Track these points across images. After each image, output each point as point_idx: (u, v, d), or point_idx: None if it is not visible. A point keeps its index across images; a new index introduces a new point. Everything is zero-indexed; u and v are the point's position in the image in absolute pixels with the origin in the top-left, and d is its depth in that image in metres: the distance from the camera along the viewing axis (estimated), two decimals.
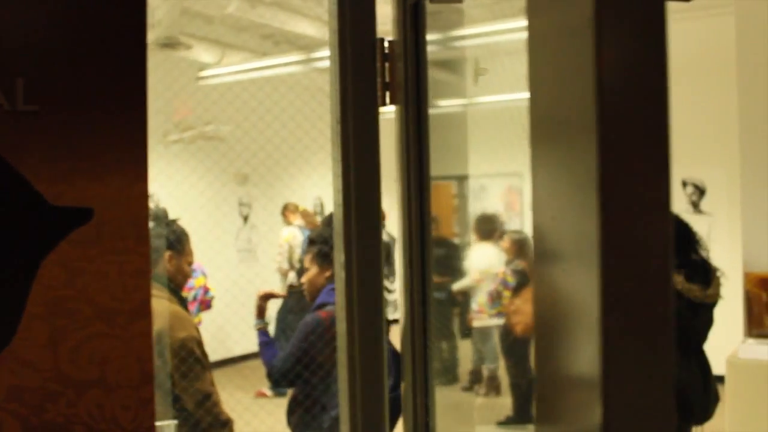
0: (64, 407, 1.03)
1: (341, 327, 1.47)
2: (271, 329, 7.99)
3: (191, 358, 2.78)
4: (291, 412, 3.07)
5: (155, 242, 2.82)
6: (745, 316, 4.03)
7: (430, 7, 1.44)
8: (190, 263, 2.96)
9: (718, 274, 3.55)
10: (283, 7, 6.83)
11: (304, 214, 7.49)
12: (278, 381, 3.02)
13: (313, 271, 3.06)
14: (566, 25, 0.54)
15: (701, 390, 3.50)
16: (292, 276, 7.43)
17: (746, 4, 3.60)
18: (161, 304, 2.84)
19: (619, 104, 0.53)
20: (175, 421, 1.69)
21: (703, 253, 3.58)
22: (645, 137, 0.51)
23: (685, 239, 3.53)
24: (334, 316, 2.93)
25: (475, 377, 7.46)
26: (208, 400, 2.72)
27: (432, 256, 1.31)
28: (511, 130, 10.88)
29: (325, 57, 6.72)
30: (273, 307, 7.78)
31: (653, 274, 0.53)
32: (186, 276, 2.98)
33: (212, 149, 8.61)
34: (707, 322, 3.55)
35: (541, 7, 0.53)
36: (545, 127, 0.58)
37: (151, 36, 5.39)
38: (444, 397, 1.56)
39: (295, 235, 7.44)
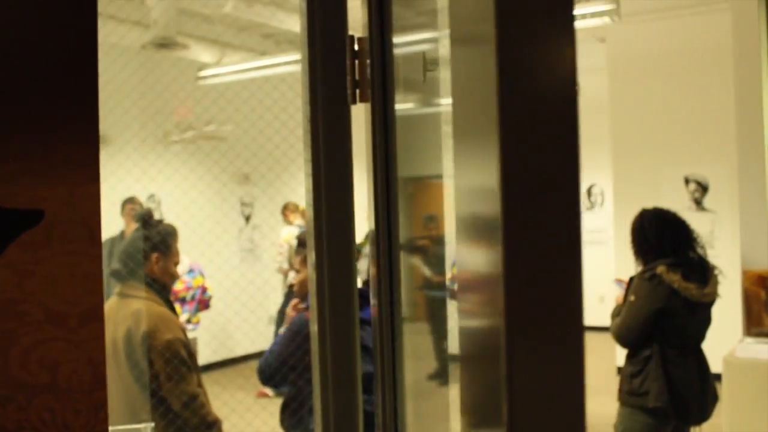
0: (14, 412, 1.01)
1: (313, 328, 1.45)
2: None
3: (177, 360, 2.76)
4: (282, 412, 3.06)
5: (139, 244, 2.81)
6: (744, 314, 4.00)
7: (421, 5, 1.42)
8: (176, 263, 2.95)
9: (716, 272, 3.52)
10: (282, 6, 6.81)
11: (305, 214, 7.48)
12: (264, 381, 3.01)
13: (304, 272, 3.04)
14: (475, 39, 0.54)
15: (699, 390, 3.48)
16: (292, 275, 7.43)
17: (745, 1, 3.57)
18: (146, 306, 2.83)
19: (520, 111, 0.51)
20: (152, 424, 1.67)
21: (701, 251, 3.56)
22: (551, 142, 0.49)
23: (683, 237, 3.50)
24: None
25: None
26: (194, 401, 2.71)
27: (399, 255, 1.29)
28: None
29: None
30: (273, 307, 7.77)
31: (562, 269, 0.51)
32: (173, 276, 2.96)
33: (212, 149, 8.61)
34: (704, 321, 3.52)
35: (461, 23, 0.52)
36: (461, 132, 0.57)
37: (147, 36, 5.38)
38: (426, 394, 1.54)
39: (294, 235, 7.43)
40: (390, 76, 1.21)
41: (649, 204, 3.65)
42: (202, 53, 7.14)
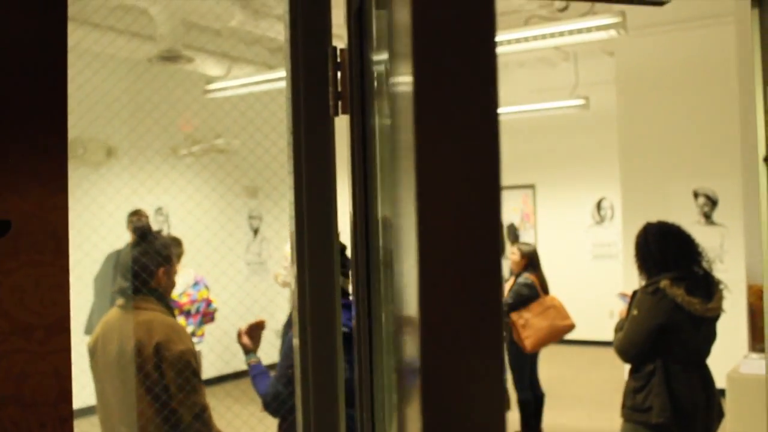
0: None
1: (295, 342, 1.44)
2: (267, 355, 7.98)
3: (189, 371, 2.76)
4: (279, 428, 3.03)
5: (143, 260, 2.82)
6: (749, 329, 3.95)
7: None
8: (176, 272, 2.96)
9: (721, 287, 3.48)
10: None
11: None
12: (276, 410, 2.91)
13: None
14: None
15: (703, 406, 3.43)
16: None
17: (746, 14, 3.54)
18: (157, 317, 2.84)
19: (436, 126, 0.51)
20: None
21: (706, 266, 3.52)
22: (465, 148, 0.48)
23: (687, 251, 3.47)
24: None
25: None
26: (204, 412, 2.70)
27: (379, 266, 1.27)
28: (523, 142, 10.85)
29: None
30: (282, 320, 7.76)
31: (480, 268, 0.50)
32: (173, 285, 2.97)
33: (222, 162, 8.64)
34: (709, 336, 3.48)
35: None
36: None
37: (153, 50, 5.42)
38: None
39: None
40: (369, 87, 1.20)
41: (658, 218, 3.62)
42: (210, 67, 7.18)
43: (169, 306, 2.96)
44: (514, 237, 14.26)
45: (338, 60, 1.36)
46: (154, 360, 2.74)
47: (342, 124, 1.42)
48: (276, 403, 2.92)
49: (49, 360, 1.02)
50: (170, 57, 5.36)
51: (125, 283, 2.87)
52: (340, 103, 1.36)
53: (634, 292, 3.53)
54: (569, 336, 6.87)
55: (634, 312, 3.43)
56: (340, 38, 1.40)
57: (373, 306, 1.29)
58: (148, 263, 2.87)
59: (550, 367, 8.79)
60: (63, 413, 1.02)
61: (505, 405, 0.52)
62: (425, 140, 0.51)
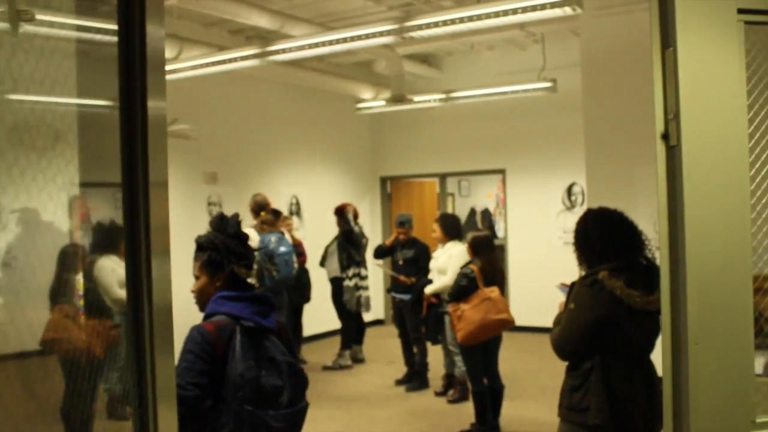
0: None
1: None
2: None
3: None
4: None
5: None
6: None
7: None
8: None
9: None
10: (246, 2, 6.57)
11: (263, 219, 7.25)
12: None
13: (203, 279, 2.79)
14: None
15: (645, 405, 3.22)
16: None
17: None
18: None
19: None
20: None
21: (650, 255, 3.30)
22: None
23: (629, 240, 3.25)
24: (221, 327, 2.67)
25: (449, 382, 7.19)
26: None
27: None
28: (493, 127, 10.62)
29: (282, 49, 6.40)
30: None
31: None
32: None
33: (182, 147, 8.37)
34: (652, 331, 3.25)
35: None
36: None
37: None
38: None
39: (252, 237, 7.18)
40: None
41: (624, 204, 3.39)
42: None
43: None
44: (489, 223, 14.07)
45: None
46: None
47: None
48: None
49: None
50: None
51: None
52: None
53: (573, 284, 3.31)
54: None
55: (571, 305, 3.21)
56: None
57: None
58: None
59: (517, 357, 8.62)
60: None
61: None
62: None
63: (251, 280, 7.25)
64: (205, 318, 2.73)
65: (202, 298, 2.80)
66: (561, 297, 3.59)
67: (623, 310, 3.13)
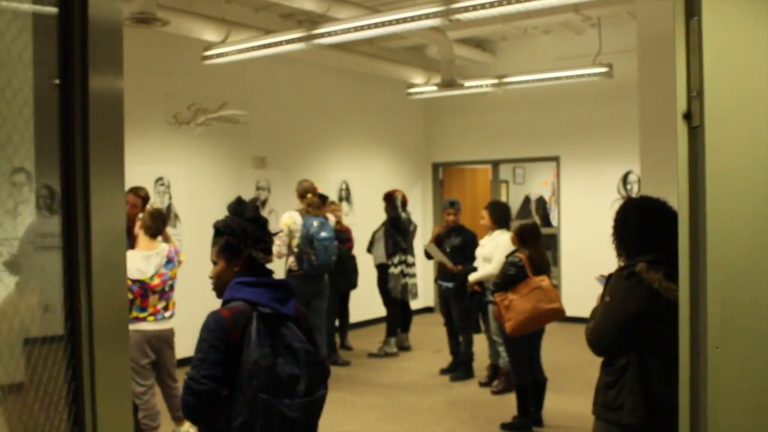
0: None
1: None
2: None
3: None
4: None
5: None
6: None
7: None
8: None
9: None
10: None
11: (309, 201, 7.19)
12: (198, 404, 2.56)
13: (220, 265, 2.73)
14: None
15: None
16: (291, 260, 7.17)
17: None
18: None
19: None
20: None
21: None
22: None
23: (670, 231, 3.06)
24: (238, 313, 2.61)
25: (494, 373, 7.06)
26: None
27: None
28: (547, 112, 10.36)
29: (327, 32, 6.31)
30: None
31: None
32: None
33: (230, 131, 8.39)
34: None
35: None
36: None
37: (127, 11, 5.14)
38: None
39: (294, 220, 7.15)
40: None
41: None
42: (205, 32, 6.88)
43: None
44: (543, 212, 13.80)
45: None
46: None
47: None
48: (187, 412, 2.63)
49: None
50: (143, 19, 5.07)
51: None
52: None
53: (609, 275, 3.15)
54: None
55: (607, 299, 3.05)
56: None
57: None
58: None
59: (566, 348, 8.40)
60: None
61: None
62: None
63: (291, 263, 7.22)
64: (223, 304, 2.67)
65: (220, 284, 2.74)
66: (600, 288, 3.43)
67: (662, 305, 2.95)
